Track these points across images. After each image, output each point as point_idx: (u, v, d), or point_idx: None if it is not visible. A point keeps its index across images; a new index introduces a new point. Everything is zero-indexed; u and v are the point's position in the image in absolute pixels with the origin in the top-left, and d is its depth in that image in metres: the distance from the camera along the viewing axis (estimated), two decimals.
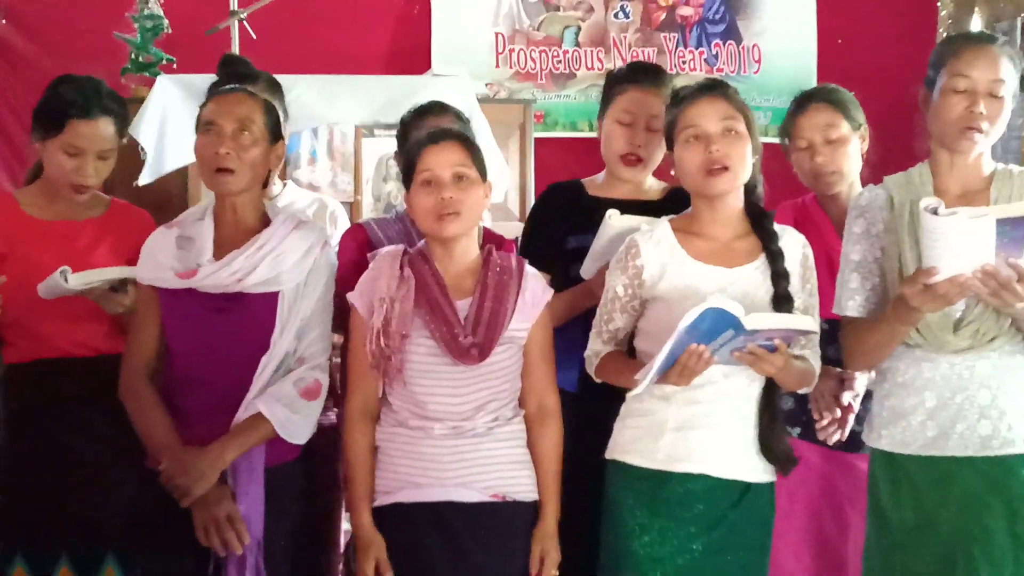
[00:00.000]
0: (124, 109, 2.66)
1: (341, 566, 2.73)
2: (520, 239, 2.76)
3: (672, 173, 2.34)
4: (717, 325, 2.00)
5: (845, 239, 2.35)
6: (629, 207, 2.47)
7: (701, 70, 5.40)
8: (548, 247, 2.59)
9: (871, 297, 2.28)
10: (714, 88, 2.25)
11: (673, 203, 2.45)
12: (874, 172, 2.65)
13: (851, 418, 2.54)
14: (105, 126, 2.51)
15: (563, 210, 2.65)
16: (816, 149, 2.61)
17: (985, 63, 2.17)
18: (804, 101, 2.69)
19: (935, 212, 2.03)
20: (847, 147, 2.62)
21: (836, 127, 2.61)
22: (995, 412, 2.17)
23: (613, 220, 2.39)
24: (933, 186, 2.25)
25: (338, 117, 3.74)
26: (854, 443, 2.54)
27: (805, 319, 2.16)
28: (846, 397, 2.51)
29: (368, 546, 2.23)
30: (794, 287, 2.21)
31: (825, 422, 2.52)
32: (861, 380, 2.51)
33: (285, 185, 2.91)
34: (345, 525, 2.67)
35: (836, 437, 2.55)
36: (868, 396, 2.53)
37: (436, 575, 2.23)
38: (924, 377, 2.21)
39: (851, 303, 2.29)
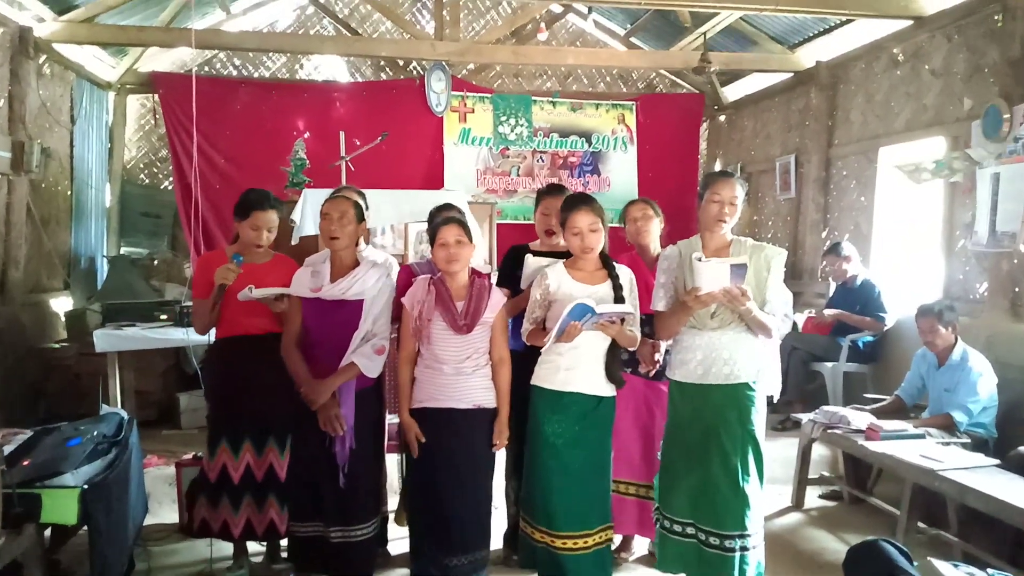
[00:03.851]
0: (282, 205, 2.70)
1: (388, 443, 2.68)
2: (498, 273, 2.84)
3: (562, 242, 2.47)
4: (583, 312, 2.13)
5: (658, 271, 2.41)
6: (546, 255, 2.64)
7: (581, 188, 5.96)
8: (512, 278, 2.71)
9: (668, 301, 2.37)
10: (586, 202, 2.35)
11: (565, 253, 2.56)
12: (667, 238, 2.77)
13: (658, 364, 2.65)
14: (272, 215, 2.59)
15: (518, 258, 2.77)
16: (637, 225, 2.78)
17: (727, 187, 2.29)
18: (632, 203, 2.86)
19: (699, 259, 2.19)
20: (652, 224, 2.78)
21: (647, 214, 2.78)
22: (731, 362, 2.29)
23: (530, 260, 2.58)
24: (702, 246, 2.36)
25: (396, 214, 3.96)
26: (659, 376, 2.67)
27: (625, 306, 2.26)
28: (656, 356, 2.64)
29: (409, 427, 2.31)
30: (626, 294, 2.33)
31: (644, 369, 2.66)
32: (663, 346, 2.63)
33: (368, 245, 2.93)
34: (390, 420, 2.66)
35: (651, 374, 2.67)
36: (667, 353, 2.61)
37: (441, 447, 2.30)
38: (696, 343, 2.33)
39: (660, 304, 2.40)
